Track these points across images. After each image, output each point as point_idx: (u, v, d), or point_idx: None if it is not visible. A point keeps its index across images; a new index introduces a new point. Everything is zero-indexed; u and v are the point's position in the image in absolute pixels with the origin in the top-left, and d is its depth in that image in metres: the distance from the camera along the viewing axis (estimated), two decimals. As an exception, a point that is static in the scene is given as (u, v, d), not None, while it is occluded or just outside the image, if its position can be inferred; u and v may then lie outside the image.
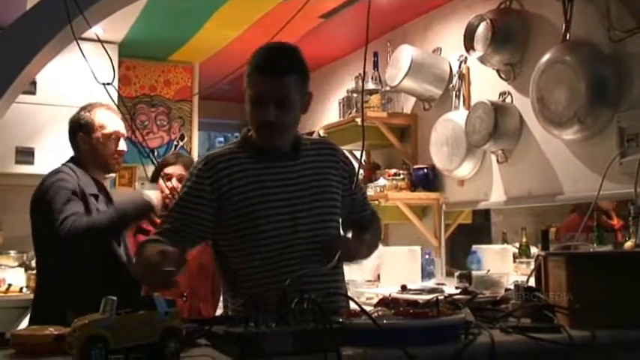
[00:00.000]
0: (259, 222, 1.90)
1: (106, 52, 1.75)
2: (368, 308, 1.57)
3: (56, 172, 2.65)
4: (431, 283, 3.63)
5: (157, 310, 1.33)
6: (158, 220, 2.48)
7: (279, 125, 1.92)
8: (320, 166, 2.04)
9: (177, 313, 1.35)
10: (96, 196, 2.64)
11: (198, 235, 1.93)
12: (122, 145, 2.76)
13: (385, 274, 3.93)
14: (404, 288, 3.27)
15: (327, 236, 1.98)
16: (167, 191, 2.86)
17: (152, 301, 1.33)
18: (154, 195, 2.66)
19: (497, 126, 3.37)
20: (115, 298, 1.30)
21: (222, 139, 7.53)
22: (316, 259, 1.91)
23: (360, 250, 2.07)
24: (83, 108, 2.78)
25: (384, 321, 1.48)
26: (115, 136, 2.73)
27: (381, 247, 4.37)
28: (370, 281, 3.96)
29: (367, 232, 2.18)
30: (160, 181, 2.98)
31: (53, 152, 4.17)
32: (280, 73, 1.88)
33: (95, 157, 2.71)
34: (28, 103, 4.09)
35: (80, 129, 2.71)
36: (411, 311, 1.58)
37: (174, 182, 2.93)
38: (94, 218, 2.52)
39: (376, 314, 1.52)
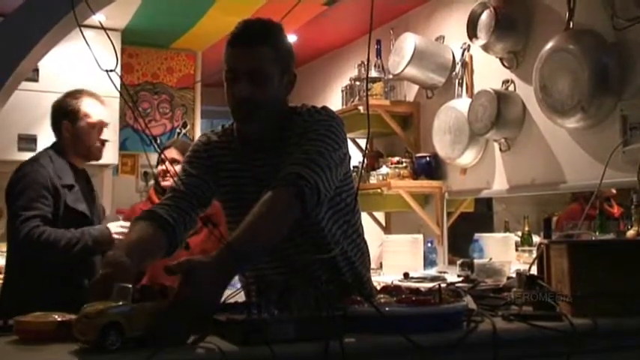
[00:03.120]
0: (235, 212, 1.85)
1: (109, 38, 1.73)
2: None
3: (34, 160, 2.67)
4: (433, 271, 3.64)
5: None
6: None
7: (253, 102, 1.75)
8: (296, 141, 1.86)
9: None
10: (70, 187, 2.64)
11: (203, 195, 1.85)
12: (106, 135, 2.76)
13: (387, 262, 3.94)
14: (406, 276, 3.27)
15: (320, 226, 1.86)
16: (168, 178, 2.96)
17: (165, 290, 1.34)
18: (113, 228, 2.65)
19: (500, 114, 3.36)
20: (130, 285, 1.31)
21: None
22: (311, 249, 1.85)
23: None
24: (69, 94, 2.77)
25: (387, 308, 1.48)
26: (100, 126, 2.74)
27: (383, 235, 4.42)
28: (372, 269, 3.94)
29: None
30: (159, 166, 3.02)
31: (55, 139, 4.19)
32: (251, 43, 1.75)
33: (78, 145, 2.71)
34: (30, 90, 4.09)
35: (65, 116, 2.72)
36: (414, 299, 1.57)
37: (167, 164, 2.94)
38: (53, 234, 2.50)
39: (378, 301, 1.52)
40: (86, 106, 2.72)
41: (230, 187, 1.89)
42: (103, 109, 2.77)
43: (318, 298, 1.44)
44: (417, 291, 1.78)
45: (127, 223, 2.68)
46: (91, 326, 1.24)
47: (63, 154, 2.71)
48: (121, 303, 1.28)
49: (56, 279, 2.56)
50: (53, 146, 2.75)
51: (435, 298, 1.60)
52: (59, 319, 1.36)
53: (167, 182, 2.94)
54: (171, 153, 3.01)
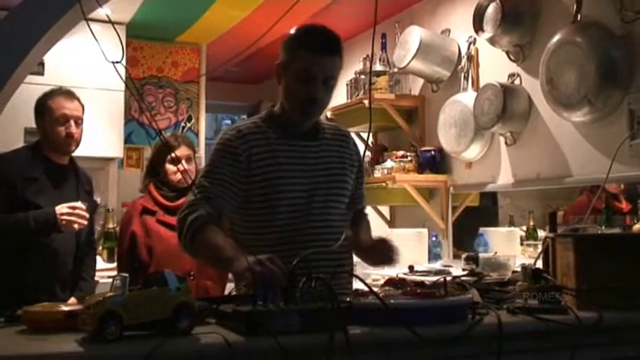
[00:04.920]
0: (279, 196, 1.94)
1: (116, 31, 1.74)
2: (375, 289, 1.58)
3: (2, 155, 2.78)
4: (438, 265, 3.63)
5: (169, 286, 1.34)
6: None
7: (322, 104, 1.99)
8: (336, 150, 2.10)
9: (188, 289, 1.37)
10: (33, 179, 2.68)
11: (234, 204, 1.95)
12: (73, 129, 2.79)
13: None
14: (411, 269, 3.27)
15: (338, 221, 2.01)
16: (178, 175, 2.94)
17: (163, 277, 1.35)
18: (58, 209, 2.65)
19: (506, 108, 3.35)
20: (127, 275, 1.32)
21: (229, 121, 7.53)
22: (326, 240, 1.93)
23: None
24: (43, 93, 2.85)
25: (392, 301, 1.49)
26: (64, 120, 2.77)
27: (388, 228, 4.42)
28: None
29: (368, 231, 2.22)
30: (168, 165, 2.99)
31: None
32: (332, 51, 1.97)
33: (47, 139, 2.79)
34: (36, 84, 4.06)
35: (36, 114, 2.81)
36: (419, 291, 1.58)
37: (183, 164, 2.95)
38: None
39: (383, 294, 1.53)
40: (52, 102, 2.78)
41: (269, 173, 1.95)
42: (71, 104, 2.82)
43: (323, 290, 1.45)
44: (421, 284, 1.79)
45: (76, 204, 2.70)
46: (91, 316, 1.25)
47: (39, 150, 2.79)
48: (120, 292, 1.29)
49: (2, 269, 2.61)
50: (36, 142, 2.85)
51: (441, 290, 1.61)
52: (66, 310, 1.37)
53: (179, 177, 2.95)
54: (184, 151, 3.01)
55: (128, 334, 1.29)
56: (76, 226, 2.66)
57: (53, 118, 2.76)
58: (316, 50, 1.94)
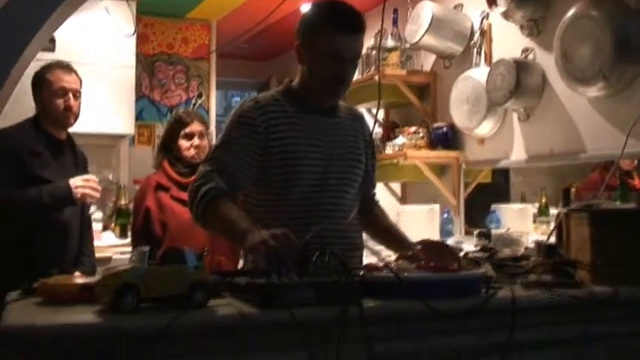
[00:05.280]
0: (297, 169, 1.93)
1: (128, 5, 1.74)
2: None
3: (4, 128, 2.77)
4: (449, 242, 3.63)
5: (187, 263, 1.35)
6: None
7: (348, 83, 1.99)
8: (351, 128, 2.11)
9: (205, 268, 1.38)
10: (38, 154, 2.69)
11: (251, 176, 1.95)
12: (72, 102, 2.79)
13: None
14: (422, 243, 3.26)
15: (351, 198, 2.02)
16: (192, 151, 2.94)
17: (183, 255, 1.36)
18: (73, 182, 2.66)
19: (519, 83, 3.33)
20: (146, 248, 1.33)
21: (238, 98, 7.52)
22: (339, 216, 1.94)
23: None
24: (41, 67, 2.84)
25: (405, 274, 1.49)
26: (62, 93, 2.77)
27: (399, 205, 4.42)
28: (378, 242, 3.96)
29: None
30: (181, 141, 2.99)
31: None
32: (357, 31, 1.97)
33: (46, 113, 2.78)
34: (47, 60, 4.09)
35: (34, 87, 2.81)
36: (432, 265, 1.58)
37: (196, 140, 2.96)
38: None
39: (397, 268, 1.53)
40: (50, 75, 2.78)
41: (287, 146, 1.95)
42: (69, 77, 2.81)
43: (337, 264, 1.46)
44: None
45: (89, 176, 2.73)
46: (108, 289, 1.26)
47: (39, 124, 2.79)
48: (137, 266, 1.30)
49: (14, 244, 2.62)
50: (35, 117, 2.84)
51: (454, 264, 1.61)
52: (81, 282, 1.39)
53: (192, 152, 2.96)
54: (196, 126, 3.01)
55: (144, 306, 1.31)
56: (90, 198, 2.69)
57: (52, 91, 2.76)
58: (344, 30, 1.93)
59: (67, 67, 2.85)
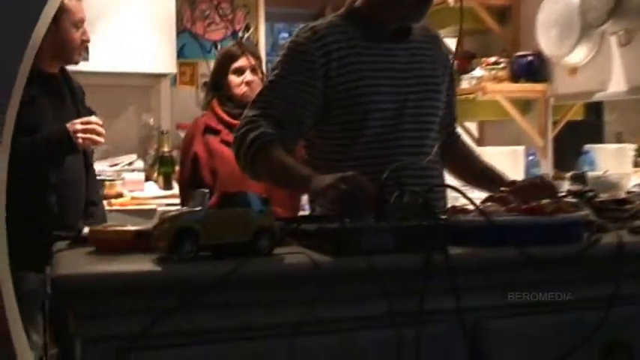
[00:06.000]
0: (366, 107, 1.91)
1: None
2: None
3: None
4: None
5: (252, 207, 1.35)
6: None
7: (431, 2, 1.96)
8: (428, 54, 2.06)
9: (271, 213, 1.38)
10: (31, 100, 2.60)
11: (306, 122, 1.93)
12: (88, 34, 2.79)
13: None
14: (513, 184, 3.21)
15: (431, 136, 2.00)
16: (244, 88, 2.95)
17: (246, 198, 1.36)
18: (71, 126, 2.63)
19: (620, 1, 3.22)
20: (207, 190, 1.35)
21: (286, 34, 7.48)
22: (418, 156, 1.93)
23: None
24: None
25: (497, 217, 1.47)
26: (81, 24, 2.76)
27: (476, 147, 4.38)
28: (465, 186, 3.94)
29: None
30: (231, 77, 3.01)
31: (109, 46, 4.27)
32: None
33: (58, 47, 2.71)
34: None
35: None
36: (525, 207, 1.56)
37: (247, 75, 2.96)
38: None
39: (486, 210, 1.52)
40: (69, 1, 2.72)
41: (353, 82, 1.92)
42: (81, 6, 2.80)
43: (418, 205, 1.45)
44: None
45: (90, 118, 2.69)
46: (166, 232, 1.28)
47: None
48: (197, 209, 1.32)
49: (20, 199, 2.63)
50: None
51: (552, 207, 1.58)
52: (135, 229, 1.42)
53: (244, 89, 2.97)
54: (248, 60, 3.01)
55: (205, 254, 1.33)
56: (94, 144, 2.69)
57: (71, 22, 2.73)
58: None
59: None
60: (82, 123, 2.65)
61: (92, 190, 2.96)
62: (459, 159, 2.19)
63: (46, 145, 2.61)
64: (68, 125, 2.63)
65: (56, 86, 2.80)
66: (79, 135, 2.63)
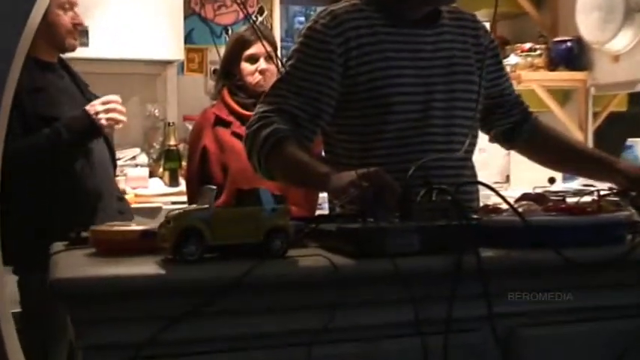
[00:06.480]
0: (390, 100, 1.89)
1: None
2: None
3: None
4: (575, 184, 3.59)
5: (263, 205, 1.35)
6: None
7: None
8: (459, 40, 2.03)
9: (286, 211, 1.38)
10: (40, 89, 2.67)
11: (324, 117, 1.92)
12: (80, 18, 2.80)
13: (516, 175, 3.92)
14: (552, 181, 3.18)
15: (462, 128, 1.98)
16: (257, 77, 2.96)
17: (258, 194, 1.36)
18: (91, 108, 2.66)
19: (668, -19, 3.20)
20: (214, 187, 1.34)
21: (302, 18, 7.48)
22: (448, 150, 1.92)
23: None
24: None
25: (533, 217, 1.47)
26: (70, 6, 2.76)
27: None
28: (498, 183, 3.95)
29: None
30: (244, 65, 3.01)
31: (110, 30, 4.28)
32: None
33: (47, 32, 2.71)
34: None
35: None
36: (564, 206, 1.56)
37: (262, 63, 2.97)
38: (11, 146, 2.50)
39: (522, 209, 1.51)
40: None
41: (376, 72, 1.91)
42: None
43: (447, 204, 1.45)
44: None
45: (109, 97, 2.71)
46: (170, 232, 1.29)
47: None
48: (205, 207, 1.32)
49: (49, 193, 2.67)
50: None
51: (592, 206, 1.58)
52: (141, 229, 1.42)
53: (258, 78, 2.98)
54: (260, 48, 3.00)
55: (211, 256, 1.33)
56: (117, 124, 2.71)
57: (57, 3, 2.73)
58: None
59: None
60: (103, 103, 2.68)
61: (117, 184, 3.04)
62: (554, 142, 2.16)
63: (69, 131, 2.63)
64: (87, 107, 2.66)
65: (57, 74, 2.83)
66: (101, 116, 2.66)
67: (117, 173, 3.18)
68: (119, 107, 2.71)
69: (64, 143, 2.62)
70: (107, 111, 2.67)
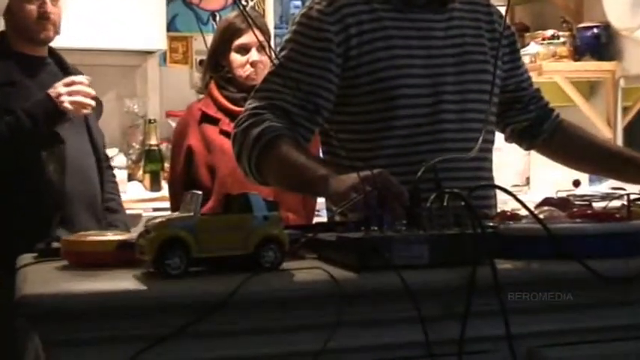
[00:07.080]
0: (395, 93, 1.90)
1: None
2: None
3: None
4: (603, 187, 3.59)
5: (254, 212, 1.35)
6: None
7: None
8: (471, 26, 2.04)
9: (279, 219, 1.38)
10: (12, 83, 2.74)
11: (322, 112, 1.92)
12: (49, 6, 2.82)
13: (537, 177, 3.92)
14: (577, 184, 3.17)
15: (476, 123, 1.98)
16: (248, 69, 3.00)
17: (248, 200, 1.36)
18: (52, 90, 2.68)
19: None
20: (200, 192, 1.34)
21: (299, 2, 7.49)
22: (461, 149, 1.91)
23: None
24: None
25: (556, 225, 1.47)
26: None
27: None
28: (517, 186, 3.95)
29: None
30: (234, 56, 3.02)
31: (82, 18, 4.28)
32: None
33: (16, 26, 2.82)
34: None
35: None
36: (590, 212, 1.56)
37: (254, 54, 2.98)
38: None
39: (543, 216, 1.52)
40: None
41: (379, 62, 1.91)
42: None
43: (460, 210, 1.45)
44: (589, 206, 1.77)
45: (73, 77, 2.76)
46: (150, 243, 1.29)
47: (7, 45, 2.85)
48: (189, 215, 1.32)
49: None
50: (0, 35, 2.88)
51: (622, 212, 1.58)
52: (118, 239, 1.42)
53: (249, 71, 2.99)
54: (254, 36, 3.01)
55: (196, 270, 1.33)
56: (83, 107, 2.73)
57: None
58: None
59: None
60: (65, 84, 2.70)
61: (109, 193, 3.03)
62: (579, 142, 2.19)
63: (29, 116, 2.65)
64: (49, 91, 2.68)
65: (42, 68, 2.90)
66: (64, 98, 2.68)
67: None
68: (85, 89, 2.73)
69: (25, 130, 2.64)
70: (71, 93, 2.69)
